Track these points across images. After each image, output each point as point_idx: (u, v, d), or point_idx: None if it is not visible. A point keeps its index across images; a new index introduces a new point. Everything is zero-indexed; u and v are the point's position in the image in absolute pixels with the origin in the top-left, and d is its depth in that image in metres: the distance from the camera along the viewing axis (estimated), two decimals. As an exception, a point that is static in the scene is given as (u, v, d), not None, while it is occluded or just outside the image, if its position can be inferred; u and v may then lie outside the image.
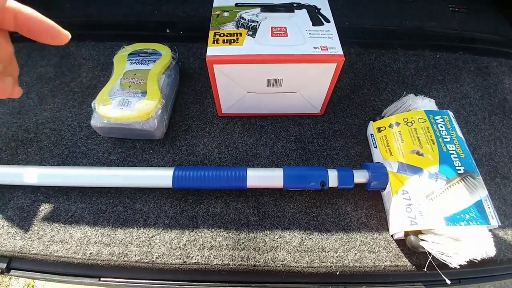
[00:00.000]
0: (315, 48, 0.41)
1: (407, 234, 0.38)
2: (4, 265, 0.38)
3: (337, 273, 0.38)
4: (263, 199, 0.43)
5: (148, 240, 0.39)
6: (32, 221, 0.41)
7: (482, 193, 0.37)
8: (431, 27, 0.66)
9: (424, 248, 0.36)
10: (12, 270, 0.39)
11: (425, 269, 0.37)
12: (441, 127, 0.42)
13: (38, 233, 0.40)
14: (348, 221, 0.41)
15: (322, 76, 0.43)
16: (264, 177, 0.41)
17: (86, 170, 0.42)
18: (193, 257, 0.38)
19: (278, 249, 0.39)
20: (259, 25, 0.43)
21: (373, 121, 0.47)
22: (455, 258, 0.34)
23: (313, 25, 0.44)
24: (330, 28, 0.43)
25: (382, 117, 0.47)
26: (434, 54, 0.61)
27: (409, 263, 0.38)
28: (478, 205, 0.36)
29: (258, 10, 0.46)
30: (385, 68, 0.59)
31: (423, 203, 0.37)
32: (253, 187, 0.41)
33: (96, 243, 0.39)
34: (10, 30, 0.18)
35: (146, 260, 0.38)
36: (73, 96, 0.54)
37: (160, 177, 0.41)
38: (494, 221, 0.35)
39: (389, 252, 0.39)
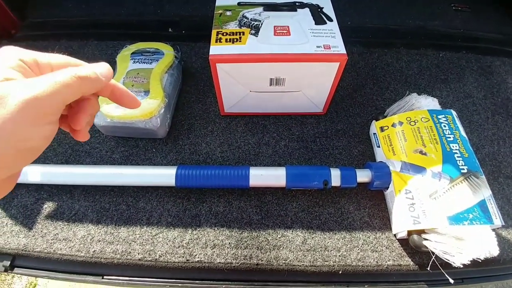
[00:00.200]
0: (318, 47, 0.40)
1: (410, 233, 0.38)
2: (8, 263, 0.39)
3: (340, 272, 0.38)
4: (266, 198, 0.43)
5: (151, 239, 0.39)
6: (36, 219, 0.41)
7: (485, 192, 0.37)
8: (434, 26, 0.66)
9: (427, 248, 0.36)
10: (15, 268, 0.39)
11: (428, 269, 0.37)
12: (445, 126, 0.42)
13: (41, 231, 0.40)
14: (351, 220, 0.41)
15: (324, 75, 0.43)
16: (266, 176, 0.41)
17: (89, 169, 0.42)
18: (196, 255, 0.38)
19: (281, 248, 0.39)
20: (261, 24, 0.43)
21: (376, 121, 0.47)
22: (459, 258, 0.34)
23: (315, 24, 0.44)
24: (333, 27, 0.43)
25: (385, 117, 0.47)
26: (437, 54, 0.61)
27: (412, 263, 0.38)
28: (482, 205, 0.36)
29: (260, 9, 0.46)
30: (387, 67, 0.59)
31: (426, 202, 0.37)
32: (256, 186, 0.41)
33: (100, 241, 0.39)
34: (103, 96, 0.23)
35: (149, 258, 0.38)
36: (76, 95, 0.54)
37: (163, 175, 0.41)
38: (498, 221, 0.35)
39: (392, 251, 0.39)
